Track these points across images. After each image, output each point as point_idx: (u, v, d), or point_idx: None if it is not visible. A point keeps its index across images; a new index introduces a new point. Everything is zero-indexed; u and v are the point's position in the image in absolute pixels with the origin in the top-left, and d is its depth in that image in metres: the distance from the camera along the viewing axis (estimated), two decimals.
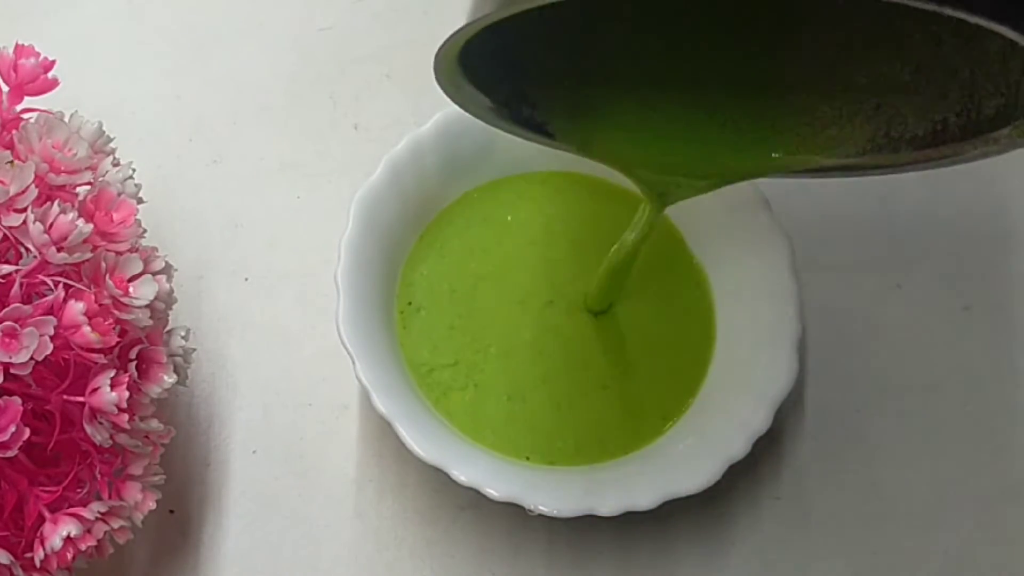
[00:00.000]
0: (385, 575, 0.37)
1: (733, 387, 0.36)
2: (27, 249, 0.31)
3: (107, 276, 0.31)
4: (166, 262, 0.33)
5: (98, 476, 0.33)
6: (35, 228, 0.30)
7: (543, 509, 0.33)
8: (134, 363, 0.32)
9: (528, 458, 0.36)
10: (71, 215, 0.30)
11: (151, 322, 0.32)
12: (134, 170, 0.34)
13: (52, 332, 0.29)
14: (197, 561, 0.38)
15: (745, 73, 0.33)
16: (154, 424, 0.33)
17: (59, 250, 0.30)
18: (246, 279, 0.41)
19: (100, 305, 0.31)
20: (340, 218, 0.37)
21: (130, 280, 0.32)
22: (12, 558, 0.31)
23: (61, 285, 0.30)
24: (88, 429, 0.31)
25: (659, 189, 0.34)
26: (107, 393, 0.30)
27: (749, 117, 0.33)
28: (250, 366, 0.40)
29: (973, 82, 0.30)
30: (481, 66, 0.30)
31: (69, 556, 0.31)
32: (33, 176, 0.31)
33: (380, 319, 0.37)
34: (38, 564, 0.31)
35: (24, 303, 0.29)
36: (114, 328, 0.31)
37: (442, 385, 0.37)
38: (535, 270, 0.39)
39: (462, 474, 0.33)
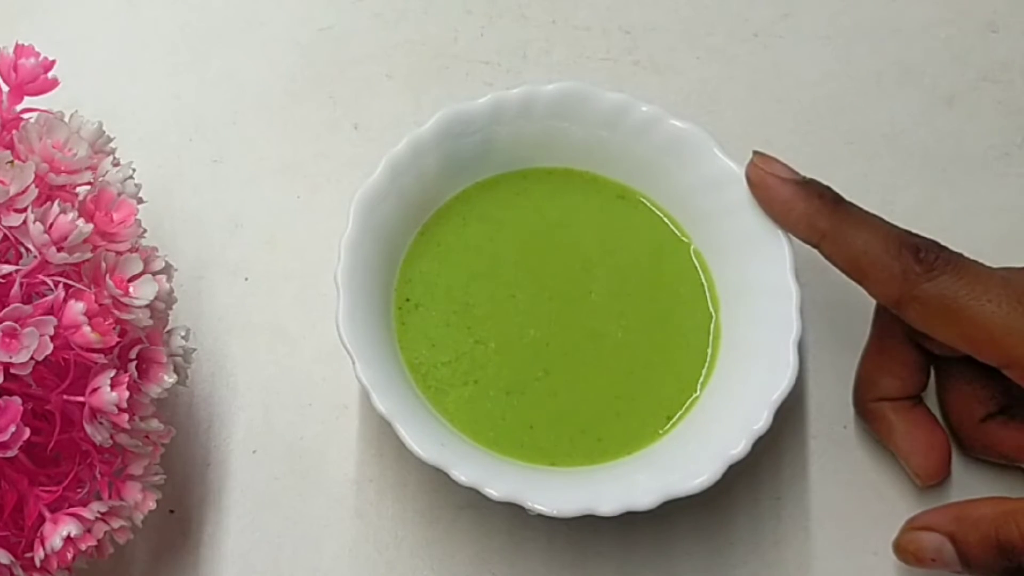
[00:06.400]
0: (385, 575, 0.37)
1: (733, 387, 0.36)
2: (27, 249, 0.31)
3: (107, 276, 0.31)
4: (166, 262, 0.33)
5: (98, 476, 0.33)
6: (35, 228, 0.30)
7: (543, 509, 0.33)
8: (134, 363, 0.32)
9: (528, 458, 0.36)
10: (71, 215, 0.30)
11: (151, 322, 0.32)
12: (134, 170, 0.34)
13: (52, 332, 0.29)
14: (197, 561, 0.38)
15: None
16: (154, 424, 0.33)
17: (59, 250, 0.30)
18: (246, 279, 0.41)
19: (100, 305, 0.31)
20: (340, 218, 0.37)
21: (130, 280, 0.32)
22: (12, 558, 0.31)
23: (61, 285, 0.30)
24: (88, 429, 0.31)
25: None
26: (107, 393, 0.30)
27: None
28: (250, 366, 0.40)
29: None
30: None
31: (69, 556, 0.31)
32: (33, 176, 0.31)
33: (380, 319, 0.37)
34: (38, 564, 0.31)
35: (24, 303, 0.29)
36: (114, 328, 0.31)
37: (441, 382, 0.37)
38: (533, 267, 0.39)
39: (462, 474, 0.33)
